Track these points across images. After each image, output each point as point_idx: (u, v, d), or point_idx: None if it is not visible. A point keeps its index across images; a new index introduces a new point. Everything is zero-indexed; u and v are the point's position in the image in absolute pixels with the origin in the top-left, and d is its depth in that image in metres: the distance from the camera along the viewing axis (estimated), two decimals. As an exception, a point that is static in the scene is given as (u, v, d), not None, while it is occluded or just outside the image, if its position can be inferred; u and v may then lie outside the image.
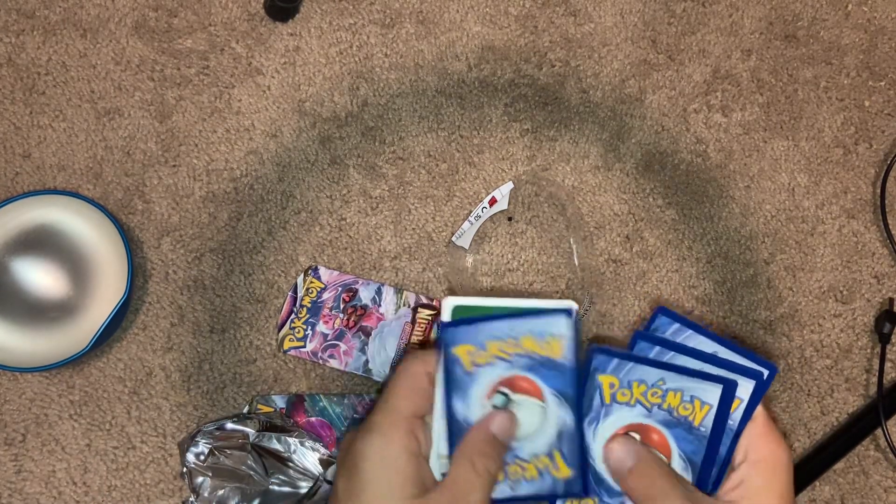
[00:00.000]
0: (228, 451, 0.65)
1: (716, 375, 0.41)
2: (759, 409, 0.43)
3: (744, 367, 0.42)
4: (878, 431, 0.71)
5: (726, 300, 0.74)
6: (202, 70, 0.76)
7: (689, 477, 0.41)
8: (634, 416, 0.41)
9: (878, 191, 0.76)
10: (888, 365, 0.73)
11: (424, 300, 0.72)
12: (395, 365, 0.70)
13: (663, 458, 0.41)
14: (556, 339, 0.41)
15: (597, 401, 0.41)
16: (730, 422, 0.42)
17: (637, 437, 0.41)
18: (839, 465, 0.72)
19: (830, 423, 0.73)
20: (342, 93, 0.77)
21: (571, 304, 0.41)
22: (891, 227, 0.76)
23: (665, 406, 0.41)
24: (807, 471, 0.71)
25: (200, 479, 0.65)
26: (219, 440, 0.66)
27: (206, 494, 0.64)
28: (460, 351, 0.41)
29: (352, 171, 0.75)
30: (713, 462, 0.41)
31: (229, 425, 0.66)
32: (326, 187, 0.75)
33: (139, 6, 0.77)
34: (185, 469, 0.65)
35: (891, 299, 0.75)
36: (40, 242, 0.70)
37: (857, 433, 0.71)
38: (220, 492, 0.64)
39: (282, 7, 0.76)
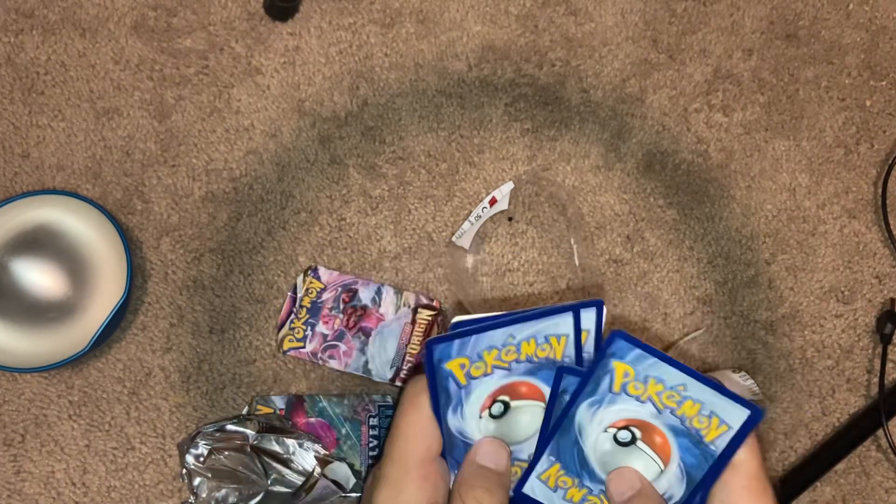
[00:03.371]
0: (227, 453, 0.65)
1: (743, 400, 0.38)
2: (749, 453, 0.35)
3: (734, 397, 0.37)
4: (880, 432, 0.71)
5: (727, 300, 0.74)
6: (201, 69, 0.76)
7: (681, 488, 0.40)
8: (642, 412, 0.40)
9: (880, 191, 0.76)
10: (889, 365, 0.73)
11: (424, 300, 0.71)
12: (398, 369, 0.70)
13: (660, 462, 0.40)
14: (558, 339, 0.40)
15: (605, 385, 0.39)
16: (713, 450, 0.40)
17: (638, 432, 0.40)
18: (840, 466, 0.71)
19: (832, 424, 0.73)
20: (342, 92, 0.77)
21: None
22: (892, 227, 0.75)
23: (679, 413, 0.40)
24: (808, 472, 0.71)
25: (199, 480, 0.64)
26: (218, 441, 0.66)
27: (204, 496, 0.64)
28: (453, 365, 0.40)
29: (352, 171, 0.75)
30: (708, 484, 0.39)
31: (229, 427, 0.66)
32: (326, 187, 0.75)
33: (138, 5, 0.77)
34: (184, 470, 0.65)
35: (892, 300, 0.74)
36: (39, 242, 0.70)
37: (859, 434, 0.71)
38: (219, 493, 0.64)
39: (281, 6, 0.76)
